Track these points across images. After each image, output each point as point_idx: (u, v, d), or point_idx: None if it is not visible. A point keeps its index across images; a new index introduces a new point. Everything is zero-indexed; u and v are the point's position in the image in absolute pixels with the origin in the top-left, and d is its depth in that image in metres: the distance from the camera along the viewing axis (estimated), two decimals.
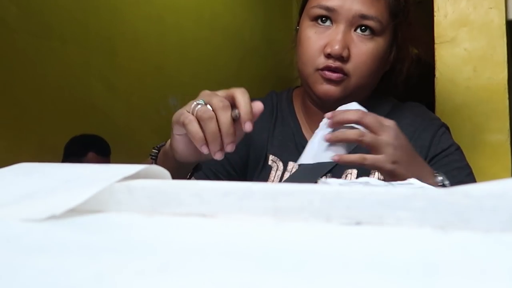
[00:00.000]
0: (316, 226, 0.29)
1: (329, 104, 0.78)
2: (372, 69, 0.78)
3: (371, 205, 0.29)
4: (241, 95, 0.61)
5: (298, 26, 0.84)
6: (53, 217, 0.30)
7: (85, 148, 2.08)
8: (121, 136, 2.47)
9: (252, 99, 0.92)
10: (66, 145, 2.10)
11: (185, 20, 3.01)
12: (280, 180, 0.80)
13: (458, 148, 0.82)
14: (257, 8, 3.69)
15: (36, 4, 2.26)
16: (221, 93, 0.63)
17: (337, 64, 0.76)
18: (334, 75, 0.76)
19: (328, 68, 0.76)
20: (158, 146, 0.73)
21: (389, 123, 0.64)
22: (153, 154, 0.72)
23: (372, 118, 0.63)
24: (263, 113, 0.86)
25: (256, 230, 0.29)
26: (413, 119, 0.83)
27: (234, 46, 3.38)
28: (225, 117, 0.59)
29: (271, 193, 0.31)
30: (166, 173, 0.40)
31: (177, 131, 0.64)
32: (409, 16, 0.83)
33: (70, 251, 0.24)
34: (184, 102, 0.63)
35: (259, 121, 0.87)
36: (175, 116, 0.63)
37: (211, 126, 0.58)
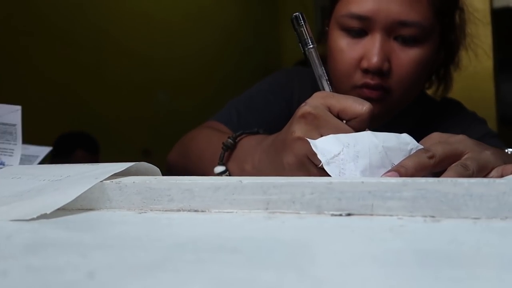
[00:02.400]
0: (307, 218, 0.29)
1: None
2: (416, 80, 0.68)
3: (362, 196, 0.29)
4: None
5: (326, 27, 0.73)
6: (43, 216, 0.30)
7: (74, 145, 2.07)
8: (110, 133, 2.46)
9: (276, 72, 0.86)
10: (54, 142, 2.08)
11: (172, 15, 3.00)
12: None
13: (495, 136, 0.74)
14: (244, 1, 3.68)
15: (22, 1, 2.23)
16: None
17: (376, 80, 0.65)
18: (374, 93, 0.66)
19: (367, 86, 0.66)
20: (235, 135, 0.57)
21: (455, 138, 0.46)
22: (227, 144, 0.56)
23: (442, 152, 0.43)
24: (308, 92, 0.80)
25: (248, 224, 0.29)
26: (447, 118, 0.77)
27: (222, 40, 3.37)
28: None
29: (262, 186, 0.31)
30: (156, 169, 0.40)
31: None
32: (461, 12, 0.74)
33: (61, 250, 0.24)
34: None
35: (305, 99, 0.80)
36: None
37: None
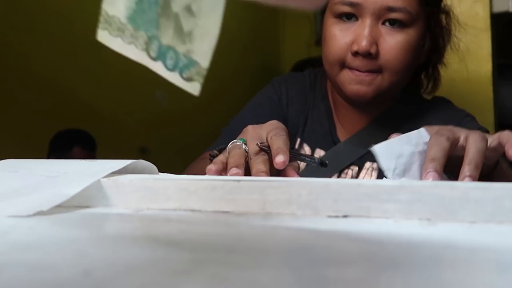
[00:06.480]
0: (304, 219, 0.29)
1: (361, 103, 0.76)
2: (405, 63, 0.74)
3: (359, 198, 0.29)
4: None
5: (321, 22, 0.79)
6: (40, 213, 0.30)
7: (71, 142, 2.06)
8: (107, 131, 2.45)
9: (281, 76, 0.89)
10: (51, 140, 2.07)
11: None
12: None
13: (487, 132, 0.76)
14: (245, 1, 3.68)
15: None
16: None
17: (365, 62, 0.72)
18: (364, 75, 0.73)
19: (358, 69, 0.72)
20: (219, 148, 0.59)
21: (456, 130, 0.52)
22: (213, 155, 0.58)
23: (451, 135, 0.49)
24: (297, 94, 0.85)
25: (244, 224, 0.29)
26: (438, 115, 0.81)
27: (221, 39, 3.36)
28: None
29: (259, 187, 0.31)
30: (153, 167, 0.40)
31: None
32: (447, 15, 0.81)
33: (58, 247, 0.24)
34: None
35: (294, 101, 0.85)
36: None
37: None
